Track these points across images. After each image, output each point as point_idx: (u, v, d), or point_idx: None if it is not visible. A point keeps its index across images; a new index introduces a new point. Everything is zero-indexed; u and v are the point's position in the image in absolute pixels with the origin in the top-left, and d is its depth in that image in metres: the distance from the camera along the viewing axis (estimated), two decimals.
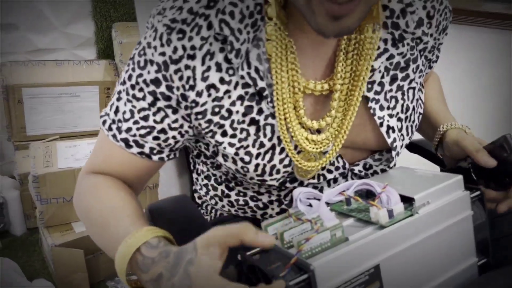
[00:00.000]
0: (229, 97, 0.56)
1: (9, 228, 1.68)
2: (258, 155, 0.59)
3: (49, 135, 1.73)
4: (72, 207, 1.41)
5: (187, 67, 0.54)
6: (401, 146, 0.65)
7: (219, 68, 0.55)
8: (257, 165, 0.60)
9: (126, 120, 0.59)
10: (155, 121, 0.58)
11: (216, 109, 0.56)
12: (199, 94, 0.55)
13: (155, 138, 0.59)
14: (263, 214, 0.69)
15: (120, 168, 0.62)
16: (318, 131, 0.61)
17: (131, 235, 0.49)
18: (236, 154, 0.59)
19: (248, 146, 0.59)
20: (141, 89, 0.56)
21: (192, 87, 0.55)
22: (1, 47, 1.75)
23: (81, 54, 1.94)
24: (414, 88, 0.65)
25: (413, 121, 0.66)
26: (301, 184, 0.64)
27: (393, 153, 0.64)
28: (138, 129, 0.59)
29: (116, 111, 0.59)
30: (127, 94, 0.58)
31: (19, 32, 1.78)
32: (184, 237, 0.60)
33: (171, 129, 0.58)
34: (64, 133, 1.76)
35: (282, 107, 0.56)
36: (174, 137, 0.60)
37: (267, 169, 0.60)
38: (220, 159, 0.62)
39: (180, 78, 0.54)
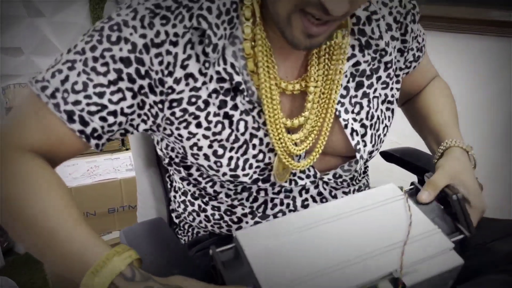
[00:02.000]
0: (207, 88, 0.57)
1: (13, 246, 1.71)
2: (231, 148, 0.60)
3: None
4: None
5: (168, 52, 0.54)
6: (366, 152, 0.65)
7: (197, 59, 0.56)
8: (230, 158, 0.60)
9: (77, 92, 0.53)
10: (110, 101, 0.54)
11: (193, 99, 0.57)
12: (176, 81, 0.56)
13: (103, 119, 0.55)
14: (238, 229, 0.69)
15: (48, 143, 0.55)
16: (288, 132, 0.62)
17: (98, 264, 0.46)
18: (210, 146, 0.60)
19: (222, 140, 0.59)
20: (105, 64, 0.53)
21: (170, 73, 0.55)
22: (6, 70, 1.81)
23: None
24: (377, 98, 0.66)
25: (377, 130, 0.67)
26: (273, 185, 0.65)
27: (357, 155, 0.64)
28: (88, 104, 0.53)
29: (65, 80, 0.53)
30: (85, 65, 0.53)
31: (24, 56, 1.83)
32: (159, 260, 0.61)
33: (122, 114, 0.56)
34: None
35: (266, 104, 0.57)
36: (119, 124, 0.57)
37: (240, 163, 0.61)
38: (190, 158, 0.62)
39: (160, 63, 0.54)
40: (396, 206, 0.59)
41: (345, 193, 0.72)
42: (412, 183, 0.64)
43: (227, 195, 0.67)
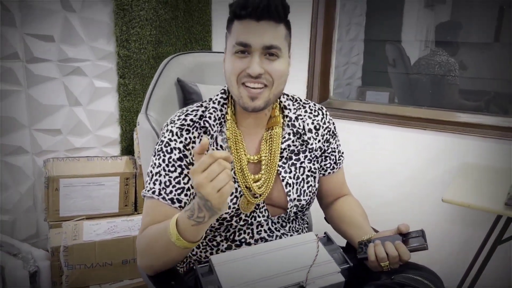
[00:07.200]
0: None
1: None
2: None
3: (78, 216, 2.08)
4: (90, 272, 1.73)
5: (192, 147, 1.00)
6: (295, 200, 1.07)
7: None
8: None
9: (167, 186, 0.98)
10: (184, 183, 0.99)
11: None
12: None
13: (186, 194, 0.99)
14: (217, 250, 1.08)
15: (164, 218, 0.95)
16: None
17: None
18: None
19: None
20: (173, 165, 0.99)
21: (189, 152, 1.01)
22: (46, 147, 2.16)
23: (108, 151, 2.38)
24: (304, 168, 1.09)
25: (302, 186, 1.08)
26: (240, 219, 1.04)
27: (288, 198, 1.06)
28: (176, 190, 0.98)
29: (160, 183, 0.98)
30: (165, 170, 0.98)
31: (62, 135, 2.20)
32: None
33: (190, 188, 1.00)
34: (89, 214, 2.11)
35: (240, 168, 1.01)
36: (193, 192, 1.00)
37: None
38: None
39: (190, 153, 1.00)
40: (310, 246, 0.97)
41: (290, 229, 1.11)
42: (325, 233, 1.02)
43: (210, 230, 1.06)
